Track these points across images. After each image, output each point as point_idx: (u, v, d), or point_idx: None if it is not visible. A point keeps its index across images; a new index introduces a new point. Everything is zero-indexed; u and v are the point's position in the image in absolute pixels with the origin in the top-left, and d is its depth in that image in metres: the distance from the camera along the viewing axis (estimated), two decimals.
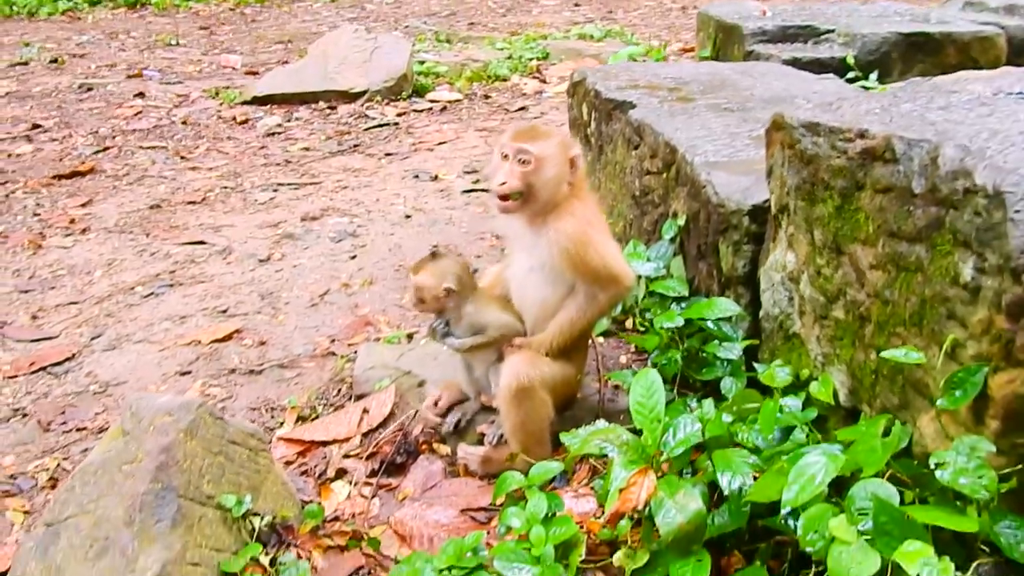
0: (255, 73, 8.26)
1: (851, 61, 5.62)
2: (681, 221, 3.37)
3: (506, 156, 2.78)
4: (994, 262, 1.79)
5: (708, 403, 2.49)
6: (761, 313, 2.81)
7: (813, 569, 1.96)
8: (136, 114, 7.27)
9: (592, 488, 2.77)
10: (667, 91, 4.26)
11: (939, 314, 1.94)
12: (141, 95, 7.71)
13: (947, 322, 1.92)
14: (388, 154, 6.53)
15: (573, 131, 4.94)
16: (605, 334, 3.56)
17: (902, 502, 1.81)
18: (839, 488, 1.99)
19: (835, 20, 6.13)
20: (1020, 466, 1.75)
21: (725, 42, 5.56)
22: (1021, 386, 1.74)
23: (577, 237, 2.76)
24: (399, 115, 7.43)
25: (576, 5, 11.56)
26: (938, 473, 1.77)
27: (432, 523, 2.79)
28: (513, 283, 3.00)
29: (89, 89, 7.81)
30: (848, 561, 1.76)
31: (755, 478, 2.18)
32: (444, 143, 6.73)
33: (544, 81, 8.34)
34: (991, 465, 1.74)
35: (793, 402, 2.33)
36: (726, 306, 2.83)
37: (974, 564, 1.74)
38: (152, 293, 4.33)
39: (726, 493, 2.19)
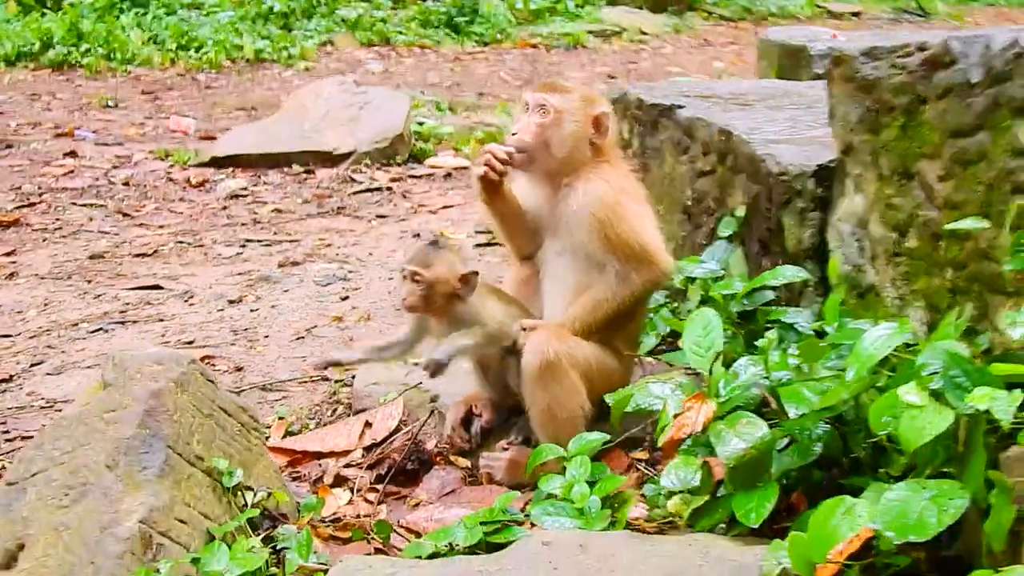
0: (212, 139, 9.17)
1: None
2: (741, 212, 4.02)
3: (527, 108, 3.45)
4: None
5: (771, 340, 3.04)
6: (832, 281, 3.42)
7: None
8: (67, 173, 8.10)
9: (643, 496, 3.25)
10: (722, 99, 5.01)
11: (1004, 192, 2.59)
12: (73, 154, 8.58)
13: (1012, 197, 2.55)
14: (380, 216, 7.28)
15: None
16: (654, 353, 4.12)
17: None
18: None
19: None
20: None
21: (791, 67, 6.41)
22: None
23: (608, 203, 3.33)
24: (393, 180, 8.25)
25: (611, 77, 12.73)
26: (1012, 332, 2.34)
27: (452, 521, 3.25)
28: (542, 271, 3.59)
29: (9, 147, 8.72)
30: (921, 423, 2.29)
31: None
32: (450, 207, 7.49)
33: None
34: None
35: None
36: (791, 272, 3.43)
37: None
38: (100, 329, 4.93)
39: (792, 415, 2.70)
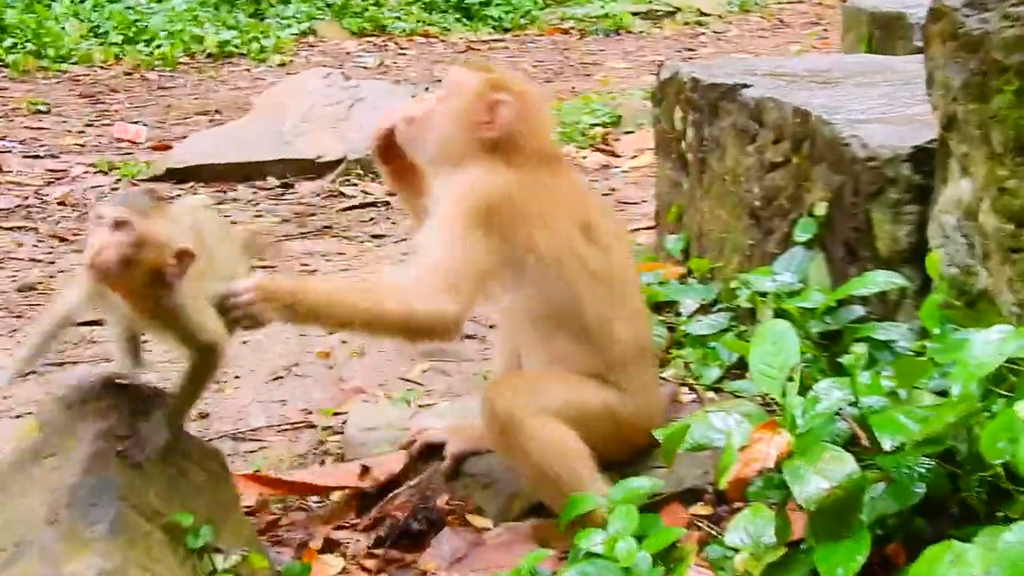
0: (167, 148, 9.31)
1: None
2: (821, 210, 4.08)
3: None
4: None
5: (859, 356, 3.08)
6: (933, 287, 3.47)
7: None
8: None
9: (704, 558, 3.29)
10: (798, 77, 5.09)
11: None
12: None
13: None
14: (375, 236, 7.37)
15: (659, 154, 5.77)
16: (714, 388, 4.18)
17: None
18: None
19: None
20: None
21: (884, 40, 6.49)
22: None
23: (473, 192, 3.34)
24: (390, 194, 8.34)
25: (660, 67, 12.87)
26: None
27: None
28: None
29: None
30: None
31: None
32: None
33: (614, 154, 9.30)
34: None
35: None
36: (884, 279, 3.48)
37: None
38: (32, 372, 5.02)
39: (888, 448, 2.73)
